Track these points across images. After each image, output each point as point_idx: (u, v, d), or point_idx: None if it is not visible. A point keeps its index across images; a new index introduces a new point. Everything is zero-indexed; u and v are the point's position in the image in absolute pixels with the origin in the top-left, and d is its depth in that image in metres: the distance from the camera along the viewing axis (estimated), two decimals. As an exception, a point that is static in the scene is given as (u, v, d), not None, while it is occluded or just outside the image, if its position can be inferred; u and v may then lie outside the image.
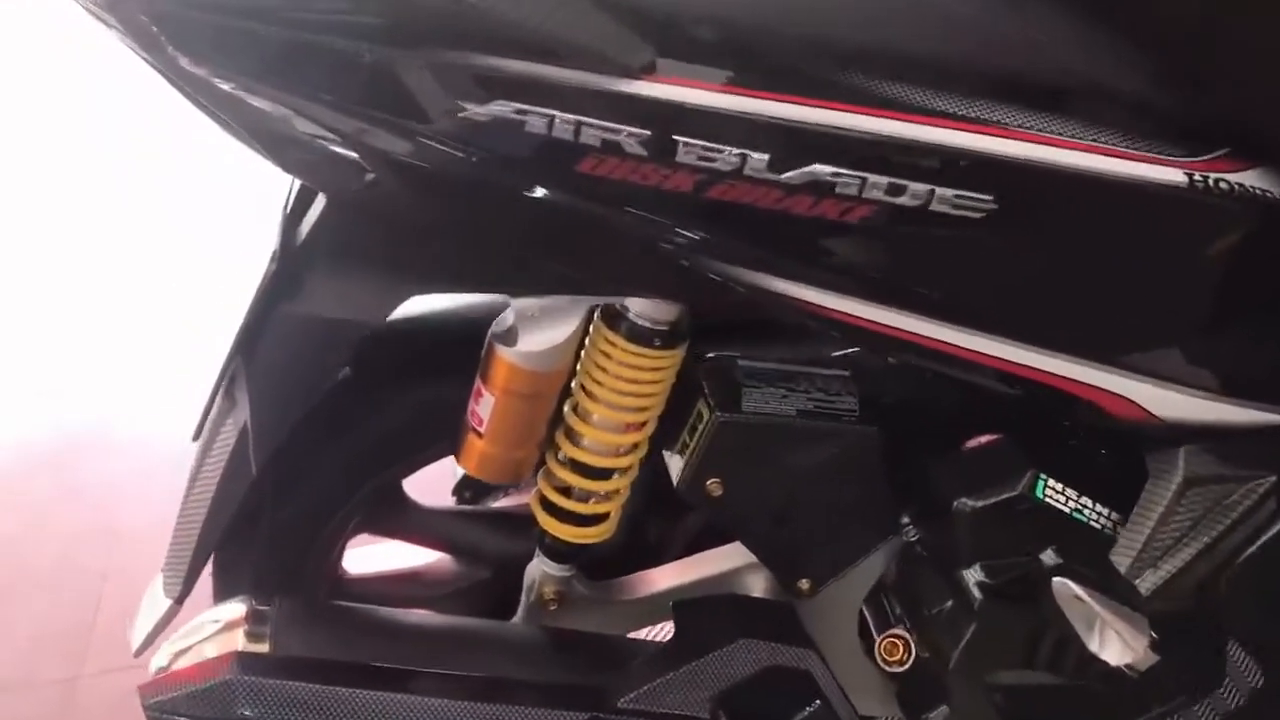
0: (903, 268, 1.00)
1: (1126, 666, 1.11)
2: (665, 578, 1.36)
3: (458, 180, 0.89)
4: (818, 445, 1.20)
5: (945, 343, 1.02)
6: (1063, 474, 1.18)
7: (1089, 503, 1.18)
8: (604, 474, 1.22)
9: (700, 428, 1.20)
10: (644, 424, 1.20)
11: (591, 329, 1.16)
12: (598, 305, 1.13)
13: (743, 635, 1.13)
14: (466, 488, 1.47)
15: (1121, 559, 1.11)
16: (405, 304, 1.03)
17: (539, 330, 1.09)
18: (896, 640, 1.31)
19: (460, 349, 1.18)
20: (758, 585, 1.31)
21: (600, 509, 1.24)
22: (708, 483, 1.20)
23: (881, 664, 1.22)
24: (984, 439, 1.26)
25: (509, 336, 1.12)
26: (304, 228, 1.06)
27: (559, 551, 1.27)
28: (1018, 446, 1.20)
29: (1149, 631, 1.11)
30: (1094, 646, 1.12)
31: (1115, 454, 1.23)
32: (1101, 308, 1.03)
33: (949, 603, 1.22)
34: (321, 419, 1.10)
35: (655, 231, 0.96)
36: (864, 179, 0.93)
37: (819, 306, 1.01)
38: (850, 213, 0.95)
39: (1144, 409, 1.07)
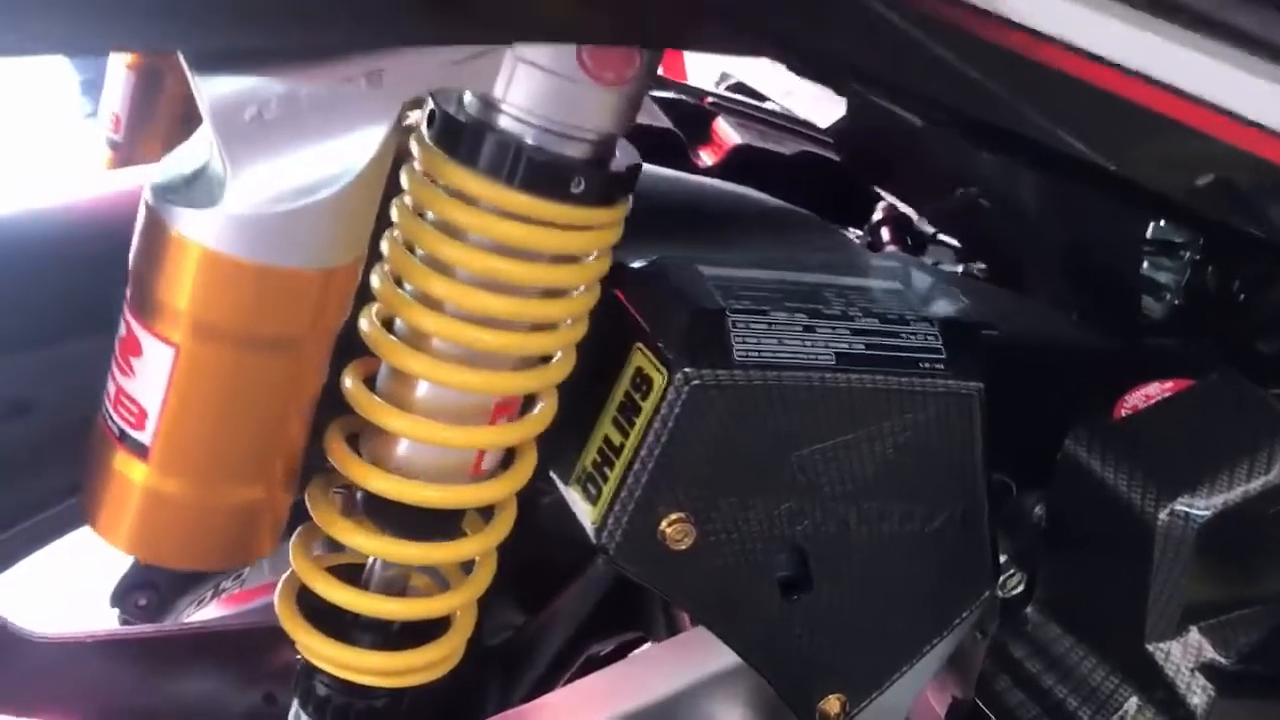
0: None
1: None
2: (555, 723, 0.71)
3: None
4: (878, 423, 0.61)
5: None
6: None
7: (1360, 488, 0.63)
8: (444, 525, 0.57)
9: (646, 408, 0.57)
10: (534, 400, 0.57)
11: (408, 171, 0.51)
12: (418, 101, 0.50)
13: None
14: (140, 587, 0.77)
15: None
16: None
17: (283, 155, 0.44)
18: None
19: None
20: (731, 718, 0.73)
21: (433, 608, 0.59)
22: (664, 523, 0.61)
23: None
24: (1140, 397, 0.68)
25: (198, 187, 0.46)
26: None
27: (345, 710, 0.60)
28: (1242, 392, 0.63)
29: None
30: None
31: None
32: None
33: (1128, 708, 0.64)
34: None
35: None
36: None
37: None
38: None
39: None
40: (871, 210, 0.94)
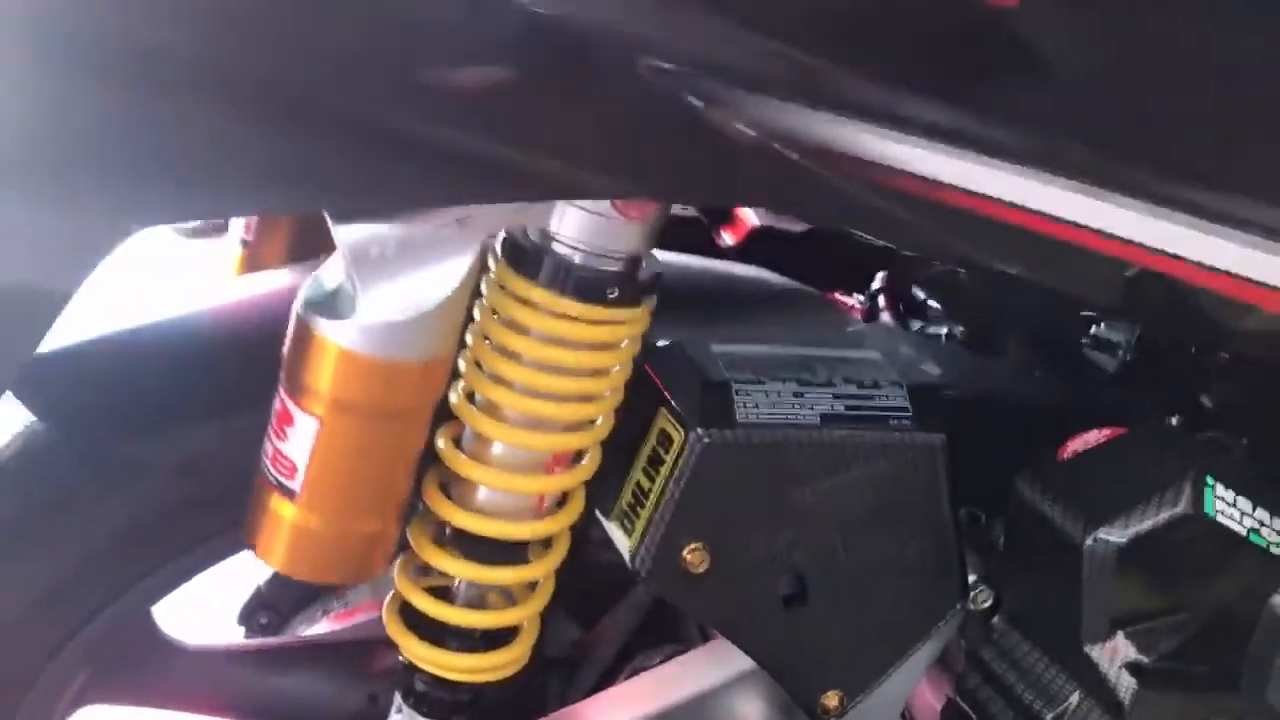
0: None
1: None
2: (608, 716, 0.85)
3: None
4: (857, 470, 0.74)
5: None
6: (1226, 477, 0.75)
7: (1265, 518, 0.76)
8: (513, 553, 0.72)
9: (669, 460, 0.72)
10: (582, 454, 0.71)
11: (486, 283, 0.67)
12: (495, 235, 0.66)
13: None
14: (263, 608, 0.92)
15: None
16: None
17: (398, 280, 0.59)
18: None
19: (238, 349, 0.71)
20: (751, 711, 0.87)
21: (506, 618, 0.74)
22: (685, 551, 0.74)
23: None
24: (1080, 443, 0.82)
25: (336, 302, 0.61)
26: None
27: (439, 701, 0.75)
28: (1164, 437, 0.77)
29: None
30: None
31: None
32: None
33: (1071, 700, 0.77)
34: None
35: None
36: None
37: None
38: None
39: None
40: (873, 277, 1.08)
